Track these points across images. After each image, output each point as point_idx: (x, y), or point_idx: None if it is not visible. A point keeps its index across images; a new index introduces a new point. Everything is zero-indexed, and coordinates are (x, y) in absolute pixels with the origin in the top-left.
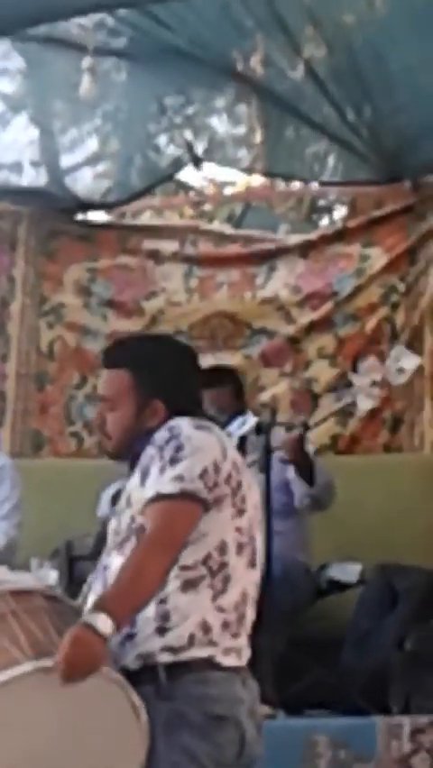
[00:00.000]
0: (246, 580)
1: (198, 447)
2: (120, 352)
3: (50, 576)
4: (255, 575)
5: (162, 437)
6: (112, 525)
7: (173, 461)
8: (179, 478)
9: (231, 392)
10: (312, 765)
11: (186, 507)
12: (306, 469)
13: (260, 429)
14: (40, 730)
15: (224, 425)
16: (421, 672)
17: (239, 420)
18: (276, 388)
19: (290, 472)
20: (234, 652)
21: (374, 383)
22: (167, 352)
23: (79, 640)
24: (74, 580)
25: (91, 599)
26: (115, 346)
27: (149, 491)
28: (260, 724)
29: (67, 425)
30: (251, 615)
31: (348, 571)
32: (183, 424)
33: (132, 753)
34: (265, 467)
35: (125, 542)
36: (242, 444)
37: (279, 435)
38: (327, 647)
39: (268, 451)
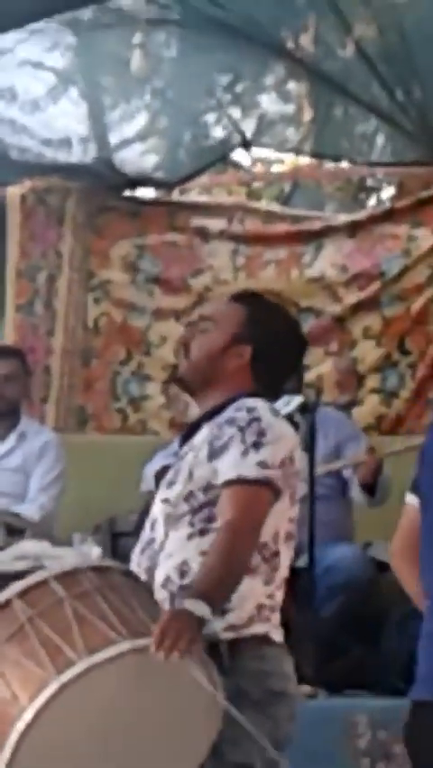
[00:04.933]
0: (287, 567)
1: (280, 435)
2: (251, 294)
3: (93, 552)
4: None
5: (243, 418)
6: (161, 494)
7: (256, 445)
8: (263, 464)
9: None
10: (352, 745)
11: (266, 494)
12: (373, 486)
13: (305, 408)
14: (125, 708)
15: None
16: None
17: (284, 398)
18: (321, 367)
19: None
20: (279, 629)
21: None
22: (284, 327)
23: (178, 621)
24: (117, 557)
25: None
26: (249, 291)
27: (229, 472)
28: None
29: (112, 401)
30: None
31: None
32: (260, 406)
33: (201, 735)
34: (310, 446)
35: (181, 518)
36: None
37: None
38: (368, 628)
39: (313, 430)
